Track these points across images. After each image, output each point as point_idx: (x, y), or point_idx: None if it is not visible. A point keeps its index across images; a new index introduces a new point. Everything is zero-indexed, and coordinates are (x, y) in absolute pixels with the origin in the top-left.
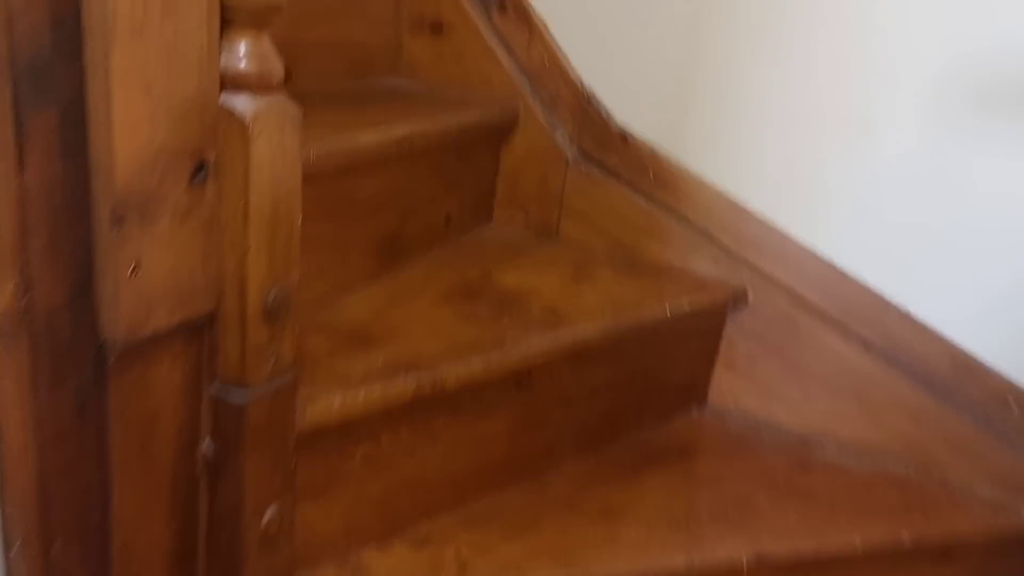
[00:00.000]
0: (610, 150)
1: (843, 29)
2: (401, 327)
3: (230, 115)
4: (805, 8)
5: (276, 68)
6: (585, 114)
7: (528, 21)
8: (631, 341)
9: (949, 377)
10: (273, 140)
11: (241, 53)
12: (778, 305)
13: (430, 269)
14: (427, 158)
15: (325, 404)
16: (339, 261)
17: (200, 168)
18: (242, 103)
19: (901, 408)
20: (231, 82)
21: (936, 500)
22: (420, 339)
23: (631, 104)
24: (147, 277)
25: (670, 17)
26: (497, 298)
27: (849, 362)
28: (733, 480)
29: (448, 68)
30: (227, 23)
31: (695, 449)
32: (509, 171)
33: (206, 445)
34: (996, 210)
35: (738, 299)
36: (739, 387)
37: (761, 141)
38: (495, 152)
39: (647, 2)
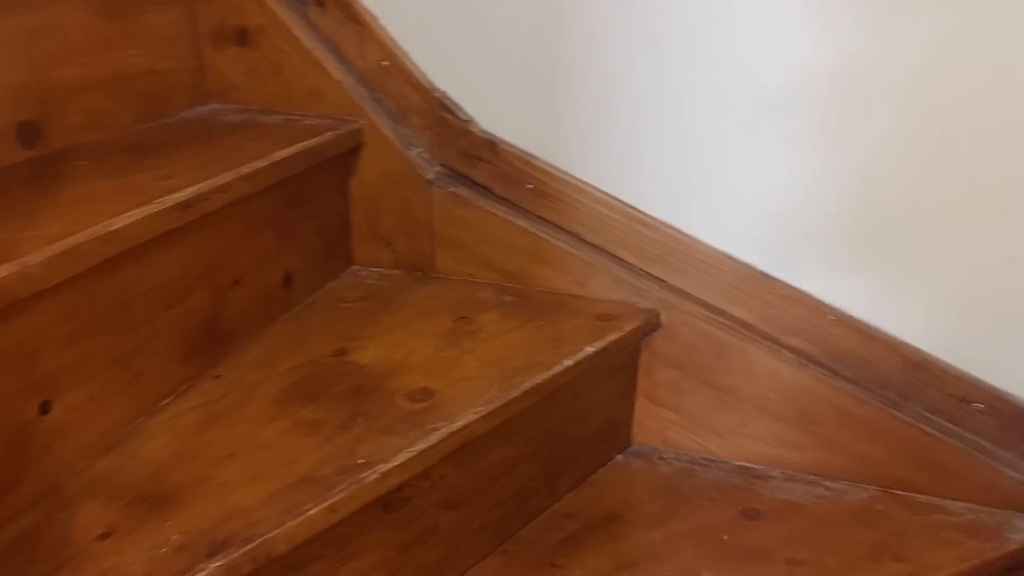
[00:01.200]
0: (478, 162)
1: None
2: (214, 465)
3: None
4: None
5: None
6: (442, 122)
7: (354, 15)
8: (529, 408)
9: (901, 381)
10: None
11: None
12: (695, 324)
13: (265, 356)
14: (244, 211)
15: None
16: (128, 380)
17: None
18: None
19: (851, 424)
20: None
21: (906, 531)
22: (240, 484)
23: (494, 105)
24: None
25: None
26: (352, 388)
27: (785, 379)
28: (671, 551)
29: (266, 85)
30: None
31: (624, 515)
32: (363, 202)
33: None
34: None
35: (650, 323)
36: (666, 421)
37: (654, 133)
38: (340, 182)
39: None
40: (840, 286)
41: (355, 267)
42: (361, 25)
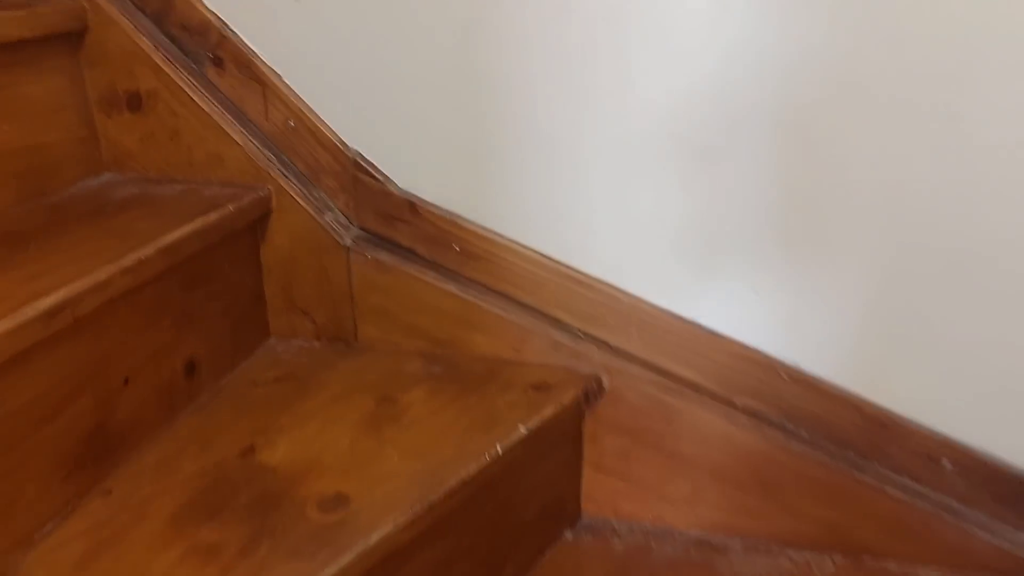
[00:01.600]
0: (400, 224)
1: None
2: None
3: None
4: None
5: None
6: (358, 183)
7: (256, 75)
8: (460, 505)
9: (862, 440)
10: None
11: None
12: (641, 387)
13: (164, 460)
14: (131, 303)
15: None
16: (2, 507)
17: None
18: None
19: (812, 488)
20: None
21: None
22: None
23: (413, 163)
24: None
25: (438, 42)
26: (258, 497)
27: (740, 442)
28: None
29: (165, 152)
30: None
31: None
32: (276, 272)
33: None
34: None
35: (592, 389)
36: (617, 492)
37: (583, 186)
38: (249, 253)
39: (406, 29)
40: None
41: (273, 340)
42: (264, 84)
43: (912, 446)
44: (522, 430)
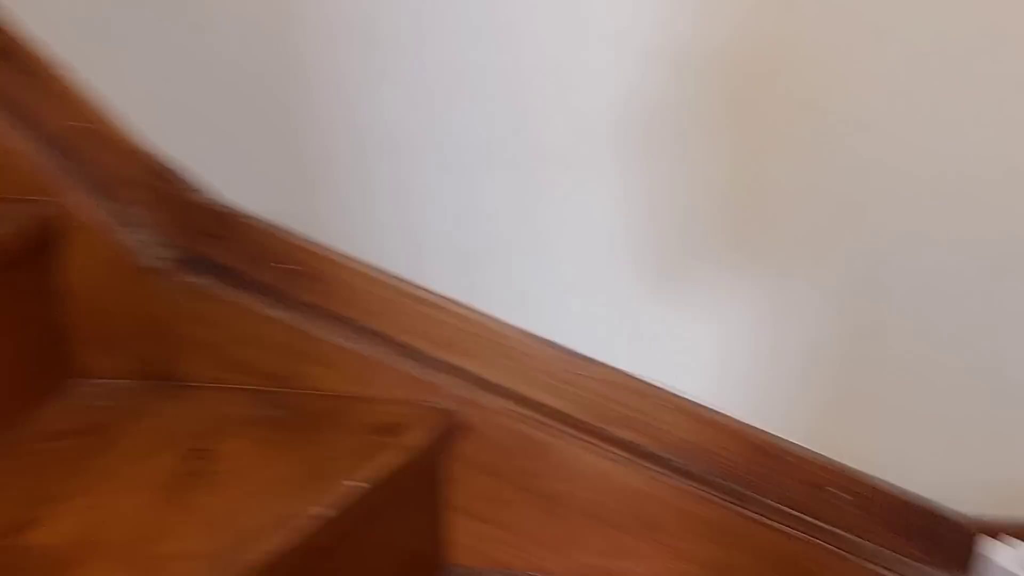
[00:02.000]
0: (219, 241)
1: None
2: None
3: None
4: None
5: None
6: (165, 194)
7: (36, 67)
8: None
9: (751, 472)
10: None
11: None
12: (505, 421)
13: None
14: None
15: None
16: None
17: None
18: None
19: (696, 527)
20: None
21: None
22: None
23: (232, 169)
24: None
25: (257, 25)
26: None
27: (616, 479)
28: None
29: None
30: None
31: None
32: (76, 300)
33: None
34: None
35: (448, 427)
36: (489, 538)
37: (434, 195)
38: (37, 280)
39: (216, 7)
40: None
41: (78, 380)
42: (47, 79)
43: (803, 476)
44: (360, 483)
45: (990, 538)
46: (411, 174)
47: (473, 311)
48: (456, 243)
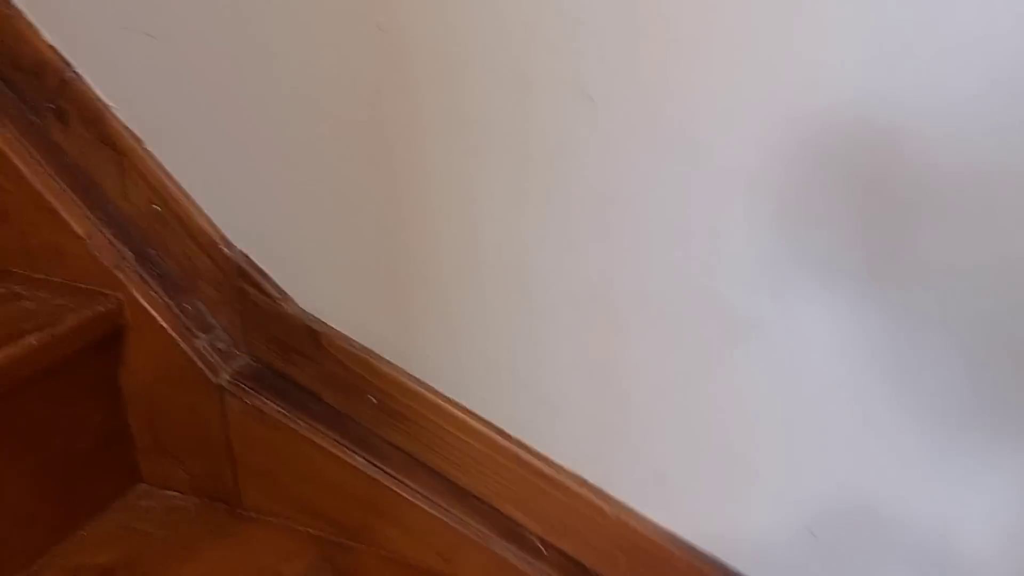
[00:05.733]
0: (298, 359)
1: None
2: None
3: None
4: None
5: None
6: (244, 296)
7: (112, 140)
8: None
9: None
10: None
11: None
12: None
13: None
14: None
15: None
16: None
17: None
18: None
19: None
20: None
21: None
22: None
23: (318, 277)
24: None
25: (347, 112)
26: None
27: None
28: None
29: None
30: None
31: None
32: (139, 402)
33: None
34: None
35: None
36: None
37: (559, 336)
38: (100, 379)
39: (304, 91)
40: None
41: (143, 487)
42: (122, 154)
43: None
44: None
45: None
46: (536, 308)
47: (598, 491)
48: (592, 412)
